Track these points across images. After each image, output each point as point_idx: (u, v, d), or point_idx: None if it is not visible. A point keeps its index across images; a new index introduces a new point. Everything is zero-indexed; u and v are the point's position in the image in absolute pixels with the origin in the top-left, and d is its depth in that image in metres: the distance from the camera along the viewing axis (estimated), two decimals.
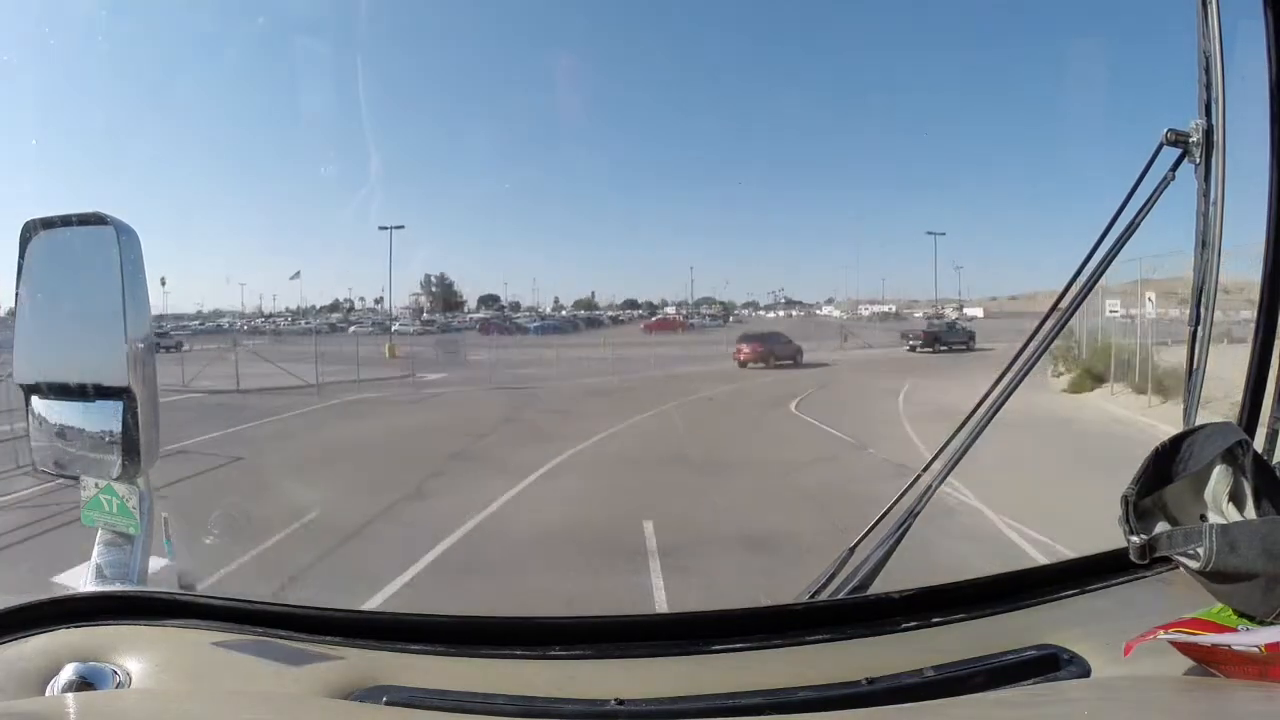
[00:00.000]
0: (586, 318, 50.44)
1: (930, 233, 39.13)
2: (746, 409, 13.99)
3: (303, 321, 46.84)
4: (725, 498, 7.27)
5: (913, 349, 25.41)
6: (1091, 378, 14.39)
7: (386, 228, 33.86)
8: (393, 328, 40.54)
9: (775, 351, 22.82)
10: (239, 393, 16.08)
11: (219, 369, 17.67)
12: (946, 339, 25.62)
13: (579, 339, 35.97)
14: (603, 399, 15.76)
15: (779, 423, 12.38)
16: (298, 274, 55.99)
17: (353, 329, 41.64)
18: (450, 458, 9.50)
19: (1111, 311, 14.46)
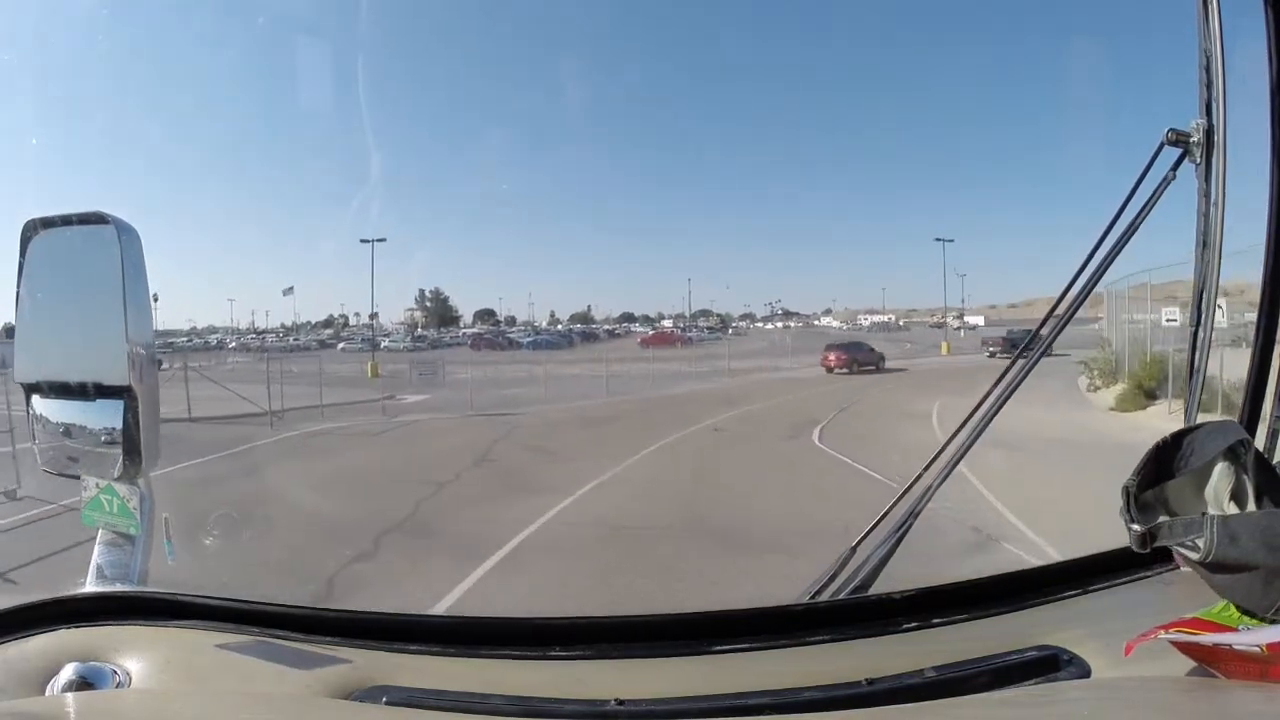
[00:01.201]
0: (582, 332, 50.23)
1: (939, 239, 38.24)
2: (764, 442, 11.56)
3: (290, 338, 46.53)
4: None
5: (992, 355, 26.44)
6: (1143, 393, 12.64)
7: (368, 240, 33.00)
8: (382, 344, 39.99)
9: (858, 359, 24.53)
10: (187, 421, 13.37)
11: (180, 391, 14.75)
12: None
13: (573, 354, 33.82)
14: (595, 430, 13.55)
15: (805, 461, 9.89)
16: (291, 289, 55.44)
17: (341, 346, 40.78)
18: (387, 530, 6.78)
19: (1169, 320, 12.54)
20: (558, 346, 40.05)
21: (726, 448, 11.31)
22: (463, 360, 27.00)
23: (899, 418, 12.56)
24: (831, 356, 24.82)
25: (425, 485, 8.66)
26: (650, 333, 47.68)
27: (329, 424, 14.40)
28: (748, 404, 16.40)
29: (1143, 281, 13.73)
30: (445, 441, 12.55)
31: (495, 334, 47.45)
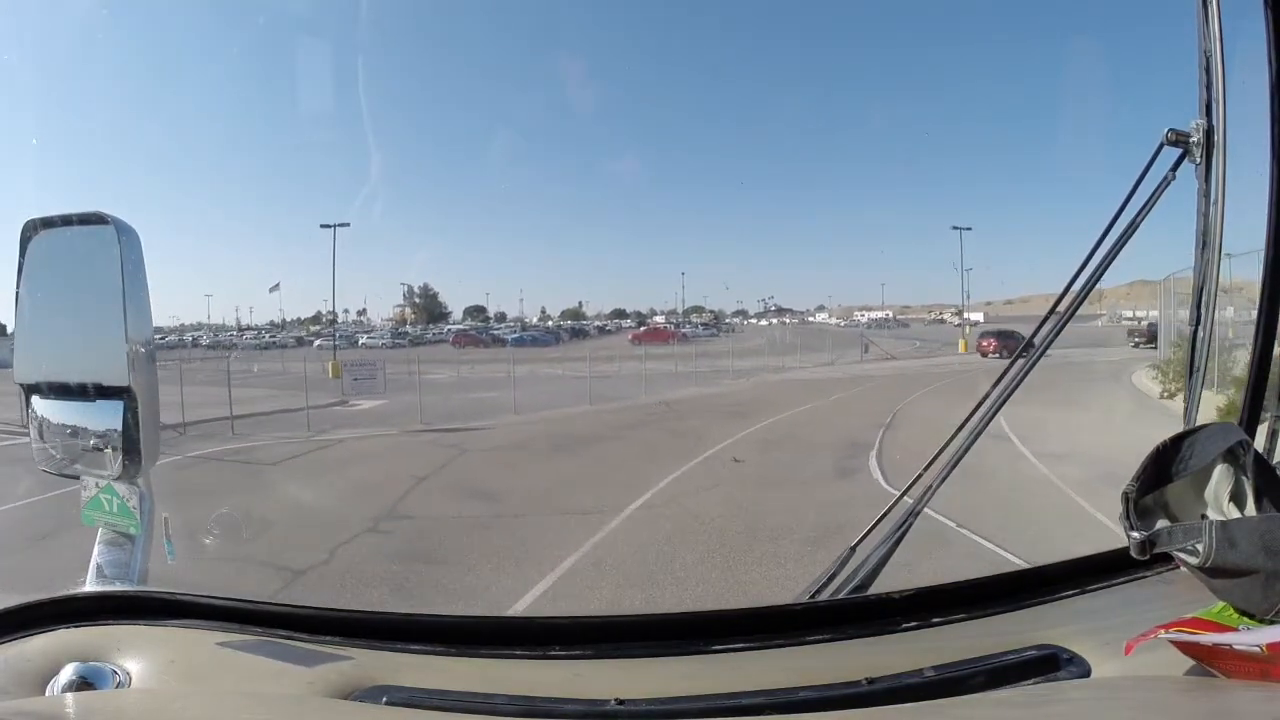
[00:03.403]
0: (572, 328, 49.50)
1: (956, 227, 35.61)
2: (808, 485, 7.79)
3: (267, 335, 45.87)
4: None
5: (1137, 345, 27.71)
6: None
7: (329, 226, 30.99)
8: (360, 341, 39.11)
9: (1008, 346, 27.28)
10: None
11: None
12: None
13: (560, 352, 30.75)
14: (566, 459, 9.96)
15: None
16: (277, 286, 54.96)
17: (317, 343, 38.81)
18: None
19: None
20: (544, 343, 38.81)
21: (756, 496, 7.42)
22: (441, 359, 24.54)
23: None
24: (985, 343, 28.75)
25: (272, 575, 5.55)
26: (642, 329, 46.71)
27: (233, 444, 11.23)
28: (764, 415, 13.02)
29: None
30: (357, 476, 9.22)
31: (480, 330, 46.79)
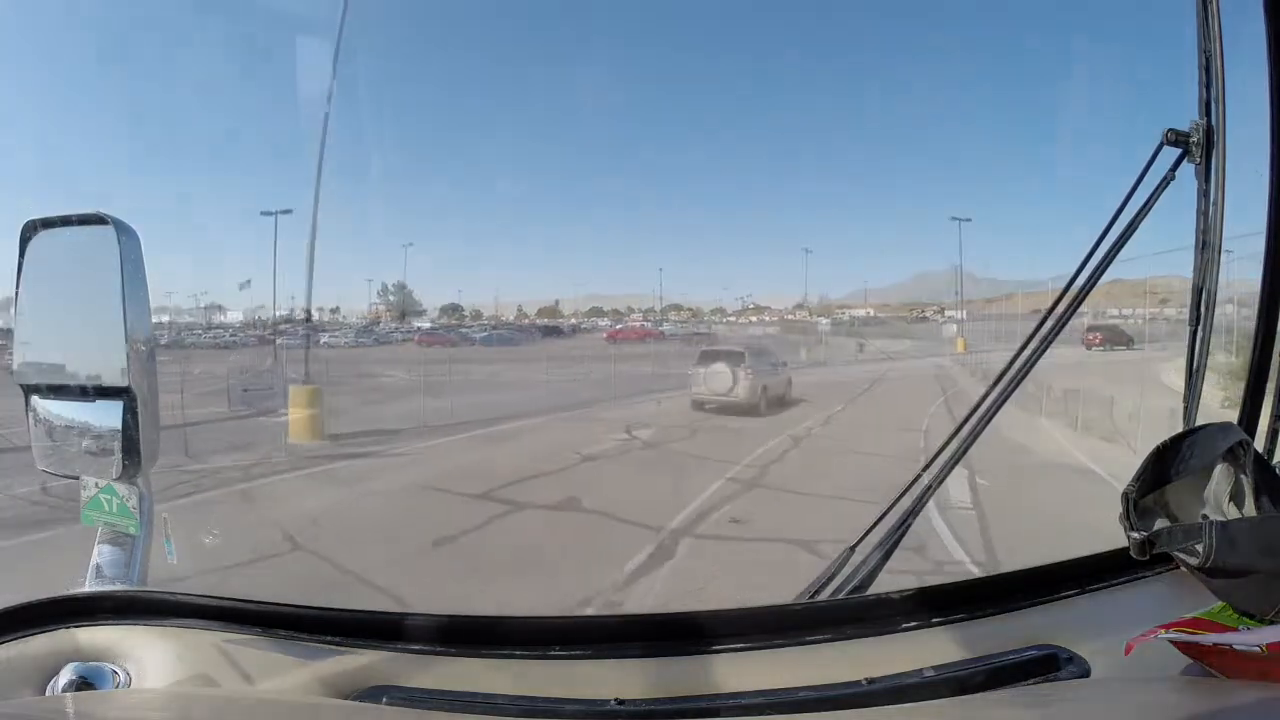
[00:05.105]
0: (545, 326, 48.61)
1: (955, 218, 33.74)
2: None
3: (228, 334, 45.06)
4: None
5: None
6: None
7: (270, 213, 29.31)
8: (322, 339, 37.94)
9: (1111, 339, 28.97)
10: None
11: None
12: None
13: (530, 351, 28.89)
14: (491, 512, 6.61)
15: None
16: (248, 282, 54.35)
17: (279, 341, 38.53)
18: None
19: None
20: (514, 342, 37.58)
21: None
22: (401, 359, 22.75)
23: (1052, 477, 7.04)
24: (1091, 336, 29.73)
25: None
26: (619, 327, 44.34)
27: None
28: (765, 436, 10.50)
29: None
30: (177, 547, 3.30)
31: (448, 329, 45.83)
